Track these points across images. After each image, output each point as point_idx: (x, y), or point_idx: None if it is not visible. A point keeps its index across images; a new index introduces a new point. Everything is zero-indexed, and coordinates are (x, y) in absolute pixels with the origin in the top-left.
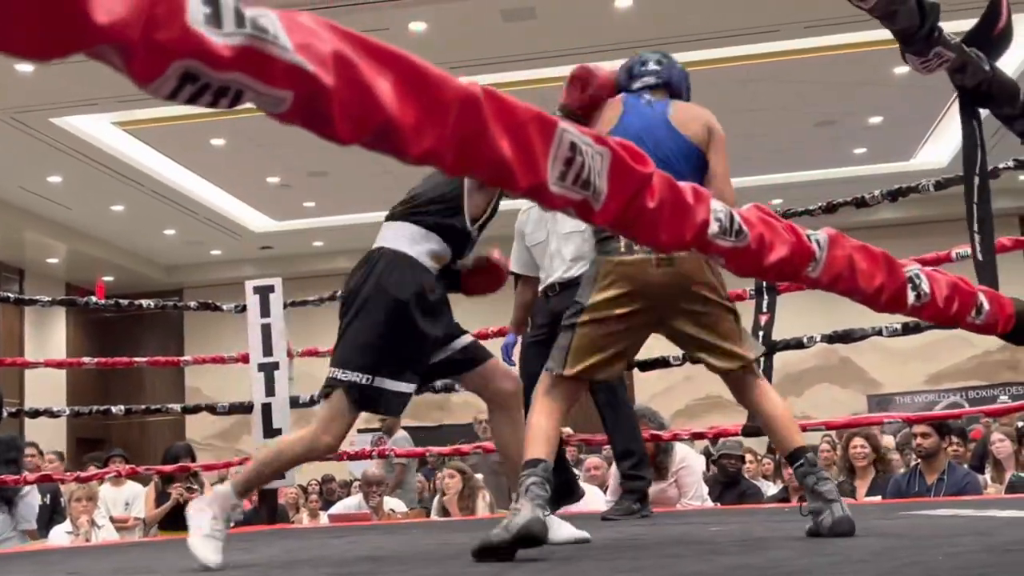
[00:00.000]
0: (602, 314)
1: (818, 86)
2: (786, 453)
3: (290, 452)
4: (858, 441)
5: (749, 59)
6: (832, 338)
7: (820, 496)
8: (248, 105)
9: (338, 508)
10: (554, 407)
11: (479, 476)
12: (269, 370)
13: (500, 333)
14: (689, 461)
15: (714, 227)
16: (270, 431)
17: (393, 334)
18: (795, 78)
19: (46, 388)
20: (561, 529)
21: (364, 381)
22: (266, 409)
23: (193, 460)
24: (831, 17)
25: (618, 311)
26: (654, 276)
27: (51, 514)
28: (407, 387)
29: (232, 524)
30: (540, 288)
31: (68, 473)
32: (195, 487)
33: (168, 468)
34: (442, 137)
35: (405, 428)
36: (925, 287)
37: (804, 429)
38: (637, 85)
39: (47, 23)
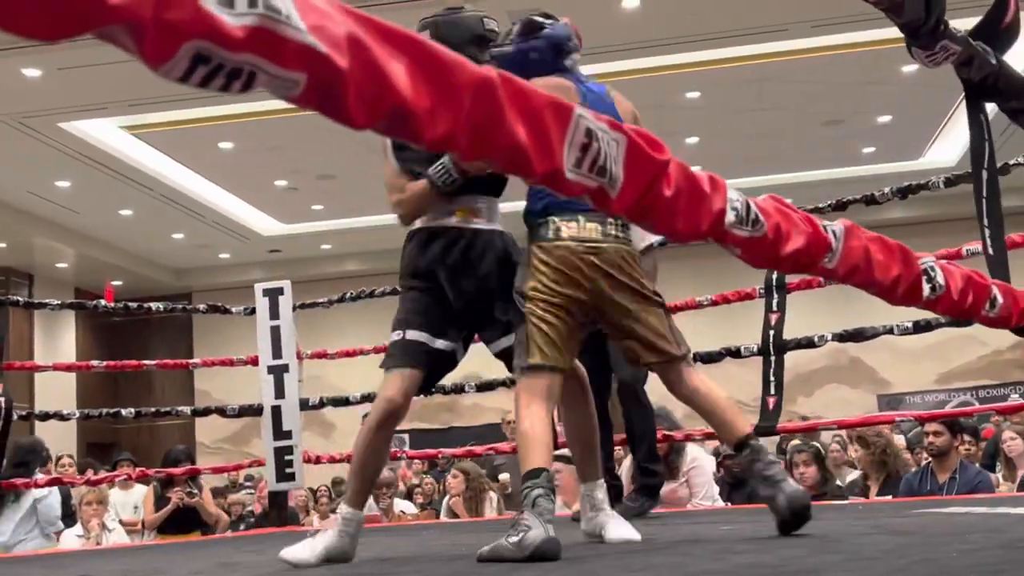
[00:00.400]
0: (544, 298)
1: (826, 85)
2: (732, 442)
3: (365, 433)
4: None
5: (756, 59)
6: (843, 337)
7: (769, 481)
8: (256, 108)
9: None
10: (540, 407)
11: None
12: (279, 372)
13: None
14: (700, 462)
15: (731, 216)
16: (280, 434)
17: (411, 300)
18: (803, 77)
19: (56, 392)
20: (615, 528)
21: (396, 337)
22: (276, 411)
23: (192, 464)
24: (838, 16)
25: (553, 298)
26: (580, 264)
27: (62, 517)
28: (442, 344)
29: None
30: None
31: (79, 476)
32: (194, 491)
33: (178, 471)
34: (457, 121)
35: (414, 431)
36: (940, 279)
37: (815, 429)
38: (569, 62)
39: (61, 4)
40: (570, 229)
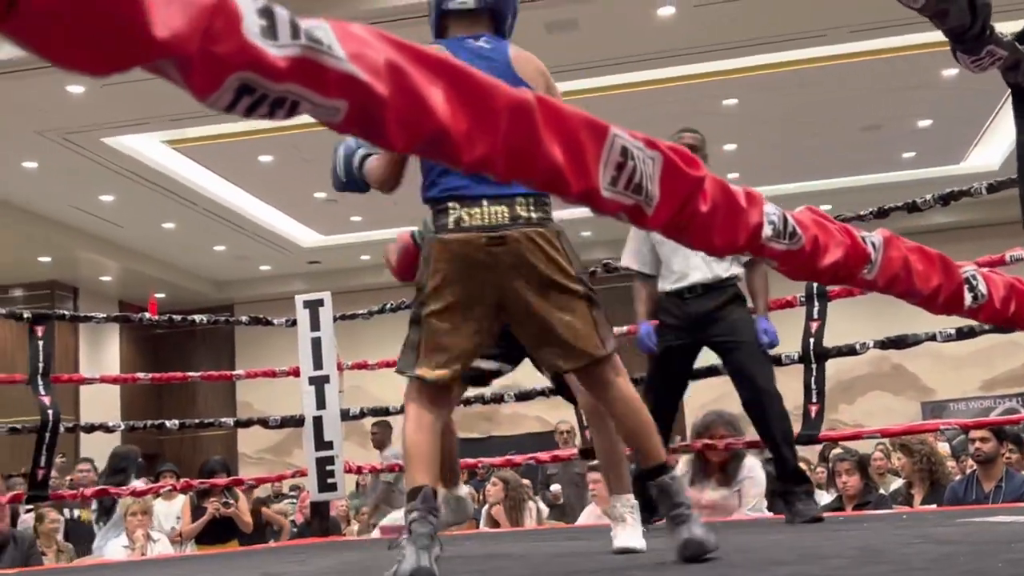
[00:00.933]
0: (440, 304)
1: (865, 90)
2: (647, 465)
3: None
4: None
5: (794, 64)
6: (885, 344)
7: (673, 520)
8: (295, 121)
9: (388, 520)
10: (427, 417)
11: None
12: (320, 383)
13: None
14: (756, 473)
15: (768, 230)
16: (321, 444)
17: None
18: (841, 83)
19: (100, 403)
20: (622, 537)
21: None
22: (317, 422)
23: (228, 474)
24: (877, 21)
25: (451, 299)
26: (483, 257)
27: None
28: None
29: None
30: (671, 287)
31: (124, 488)
32: (231, 502)
33: (221, 482)
34: (494, 144)
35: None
36: (982, 288)
37: (859, 437)
38: (451, 5)
39: (109, 39)
40: (472, 217)
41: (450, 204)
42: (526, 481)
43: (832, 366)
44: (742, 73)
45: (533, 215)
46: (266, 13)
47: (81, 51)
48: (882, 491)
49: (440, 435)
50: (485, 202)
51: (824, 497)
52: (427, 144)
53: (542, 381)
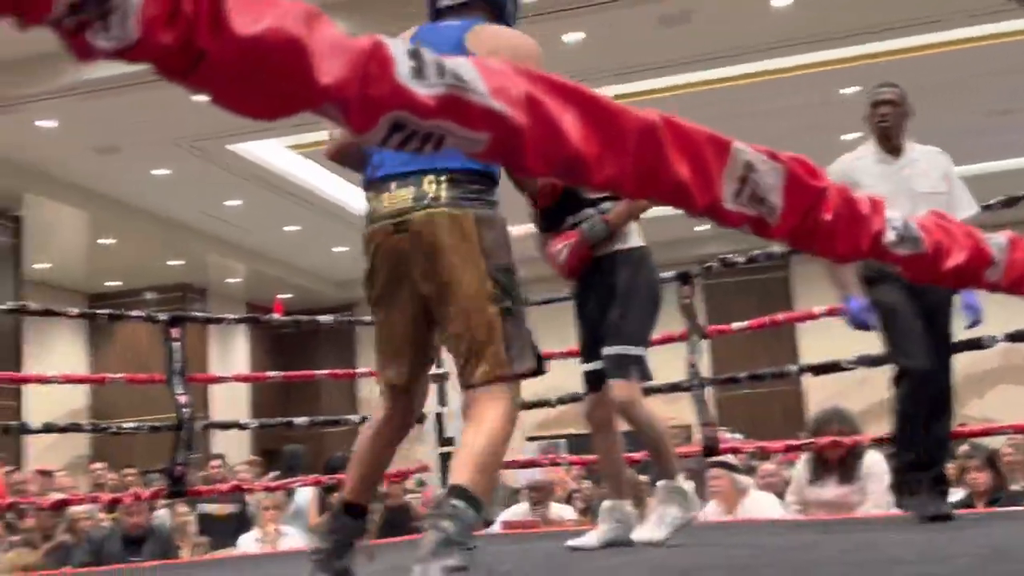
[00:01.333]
0: (372, 302)
1: (989, 75)
2: (450, 484)
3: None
4: None
5: (915, 51)
6: (1015, 336)
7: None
8: None
9: (507, 515)
10: (375, 420)
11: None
12: (440, 381)
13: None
14: (877, 469)
15: (890, 235)
16: (443, 440)
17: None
18: (964, 67)
19: (229, 402)
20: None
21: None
22: (439, 419)
23: None
24: (997, 4)
25: (376, 295)
26: (393, 246)
27: (240, 522)
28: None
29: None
30: None
31: (256, 482)
32: None
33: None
34: (623, 165)
35: (571, 436)
36: None
37: (988, 433)
38: (442, 3)
39: (281, 88)
40: (381, 203)
41: (368, 194)
42: (644, 478)
43: (960, 358)
44: (860, 61)
45: (443, 194)
46: (415, 55)
47: (256, 99)
48: (1014, 487)
49: (389, 444)
50: (393, 185)
51: (954, 494)
52: (561, 168)
53: (659, 377)
